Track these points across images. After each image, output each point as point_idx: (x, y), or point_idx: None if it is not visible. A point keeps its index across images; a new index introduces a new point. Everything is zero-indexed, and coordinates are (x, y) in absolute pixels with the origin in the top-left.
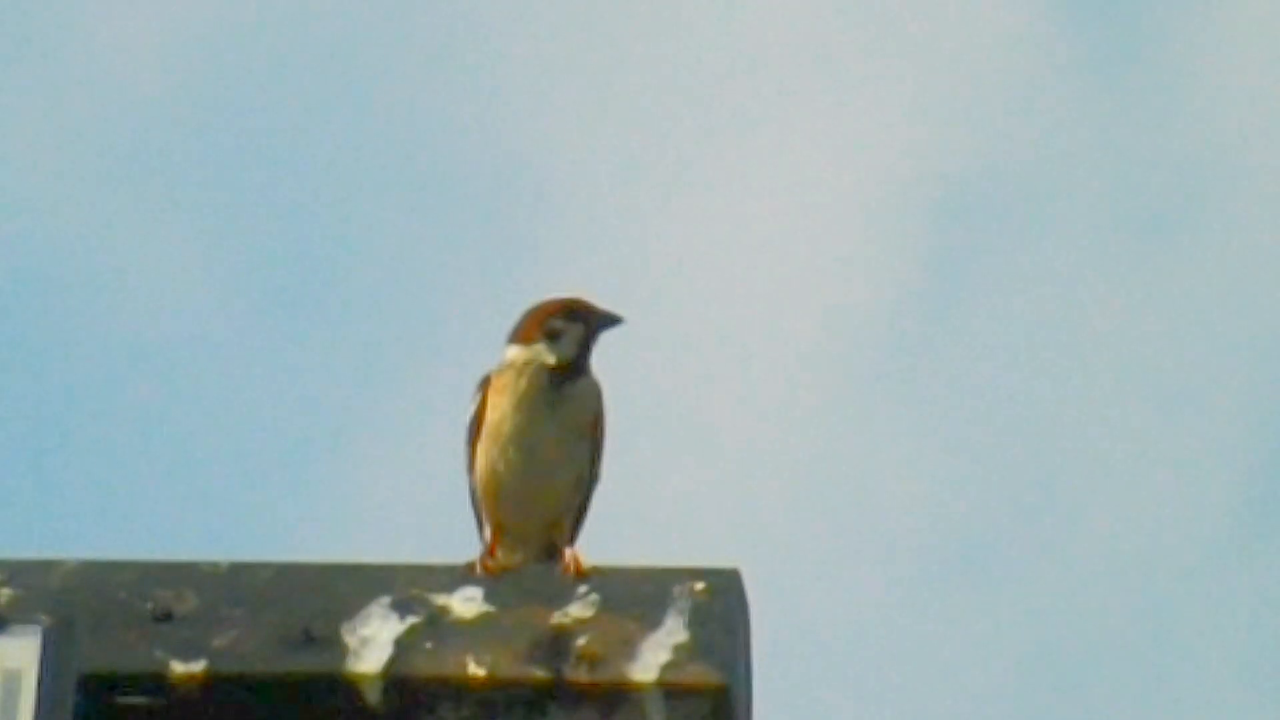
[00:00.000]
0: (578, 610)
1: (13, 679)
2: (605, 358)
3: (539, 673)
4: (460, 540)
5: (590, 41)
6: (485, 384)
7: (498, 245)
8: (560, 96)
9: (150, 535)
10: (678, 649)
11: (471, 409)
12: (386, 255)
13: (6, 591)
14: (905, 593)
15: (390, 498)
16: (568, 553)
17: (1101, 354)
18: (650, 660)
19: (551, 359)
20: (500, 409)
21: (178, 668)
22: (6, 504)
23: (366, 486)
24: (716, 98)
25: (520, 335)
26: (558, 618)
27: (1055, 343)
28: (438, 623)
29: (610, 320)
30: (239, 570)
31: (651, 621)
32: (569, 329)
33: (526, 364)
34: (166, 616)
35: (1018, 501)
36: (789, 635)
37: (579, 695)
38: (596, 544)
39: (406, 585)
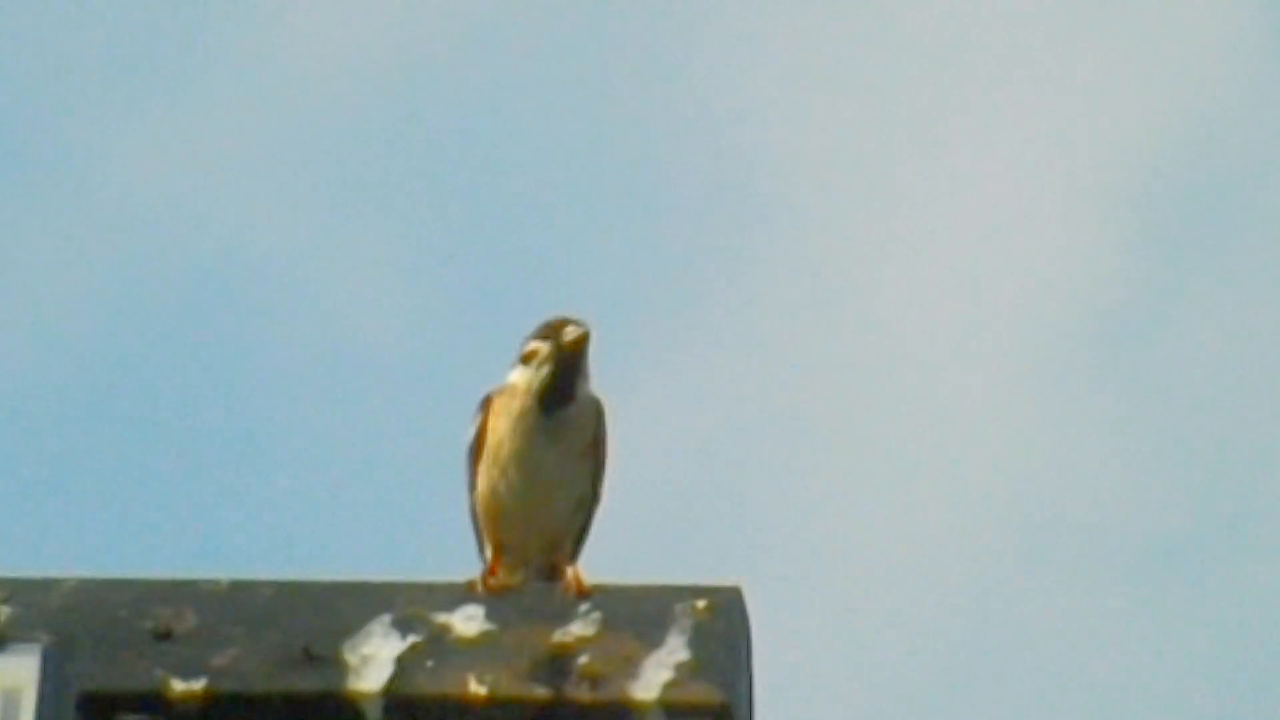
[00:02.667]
0: (579, 629)
1: (12, 697)
2: (819, 352)
3: (540, 691)
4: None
5: (797, 34)
6: (486, 404)
7: (704, 245)
8: (764, 89)
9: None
10: (679, 667)
11: (472, 429)
12: (582, 263)
13: (6, 610)
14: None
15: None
16: (569, 571)
17: None
18: (652, 679)
19: (529, 382)
20: (498, 432)
21: (177, 686)
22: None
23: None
24: (924, 88)
25: (521, 357)
26: (559, 636)
27: (1269, 343)
28: (439, 641)
29: (572, 343)
30: (239, 588)
31: (653, 640)
32: (540, 349)
33: (518, 388)
34: (166, 635)
35: (1220, 509)
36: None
37: (580, 714)
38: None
39: (407, 604)
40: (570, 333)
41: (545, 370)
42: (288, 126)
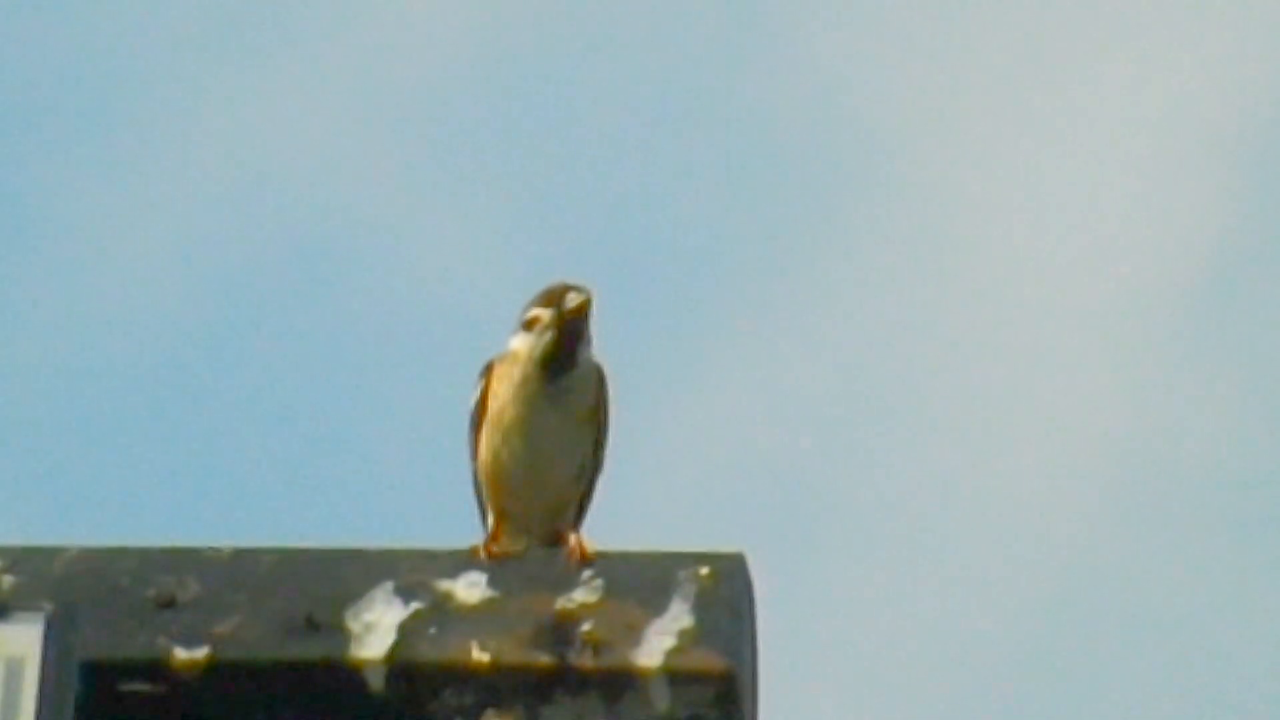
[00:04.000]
0: (582, 596)
1: (15, 666)
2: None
3: (543, 658)
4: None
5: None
6: (488, 371)
7: (812, 204)
8: (864, 45)
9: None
10: (682, 634)
11: (474, 395)
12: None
13: (9, 579)
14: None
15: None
16: (572, 538)
17: None
18: (655, 646)
19: (530, 348)
20: (500, 398)
21: (180, 654)
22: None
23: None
24: (1025, 39)
25: (523, 323)
26: (562, 603)
27: None
28: (441, 609)
29: (567, 306)
30: (242, 556)
31: (656, 607)
32: (542, 315)
33: (519, 354)
34: (169, 603)
35: None
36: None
37: (583, 681)
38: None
39: (410, 571)
40: (572, 299)
41: (547, 337)
42: (379, 84)
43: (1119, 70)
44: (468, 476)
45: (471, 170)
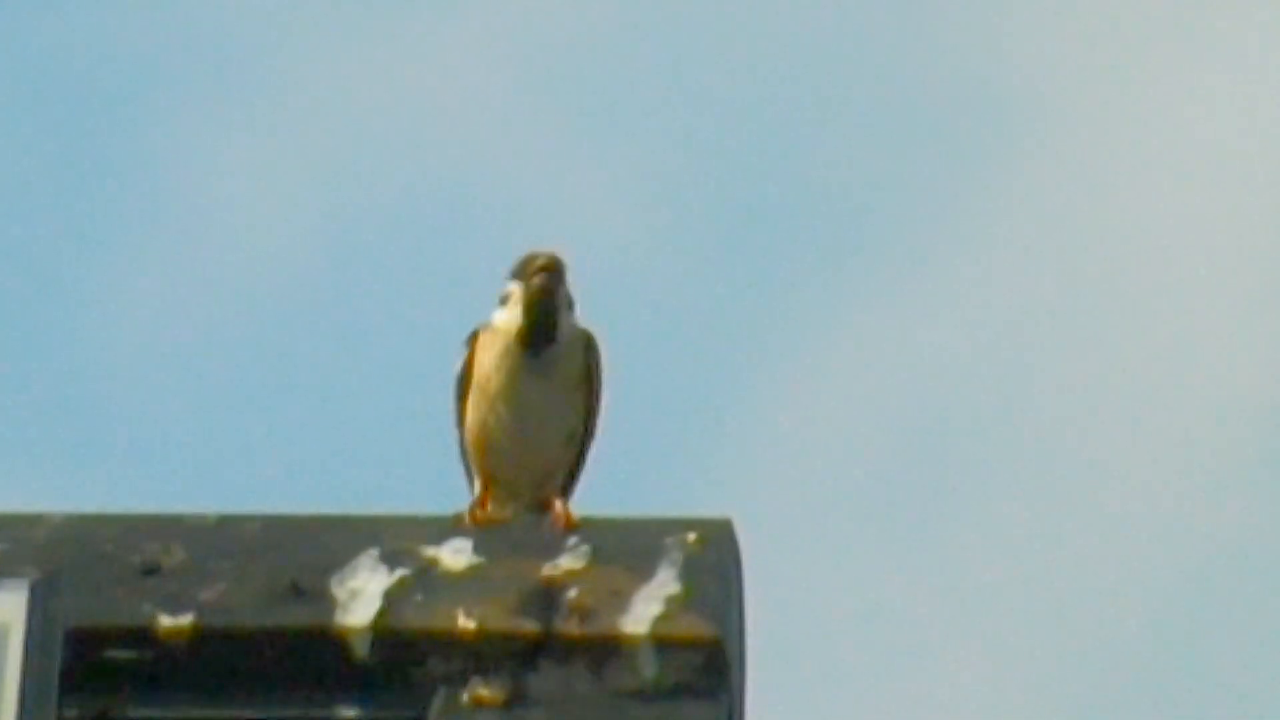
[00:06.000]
0: (568, 562)
1: (0, 632)
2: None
3: (529, 625)
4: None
5: None
6: (473, 339)
7: (952, 161)
8: (1029, 9)
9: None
10: (669, 600)
11: (459, 363)
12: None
13: None
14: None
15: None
16: (557, 504)
17: None
18: (642, 612)
19: (506, 323)
20: (484, 368)
21: (165, 621)
22: None
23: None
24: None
25: (500, 299)
26: (548, 570)
27: None
28: (427, 575)
29: (538, 288)
30: (227, 523)
31: (643, 573)
32: (511, 290)
33: (498, 329)
34: (154, 569)
35: None
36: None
37: (570, 648)
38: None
39: (395, 537)
40: (536, 280)
41: (519, 312)
42: (514, 49)
43: (1276, 38)
44: (454, 442)
45: (612, 131)
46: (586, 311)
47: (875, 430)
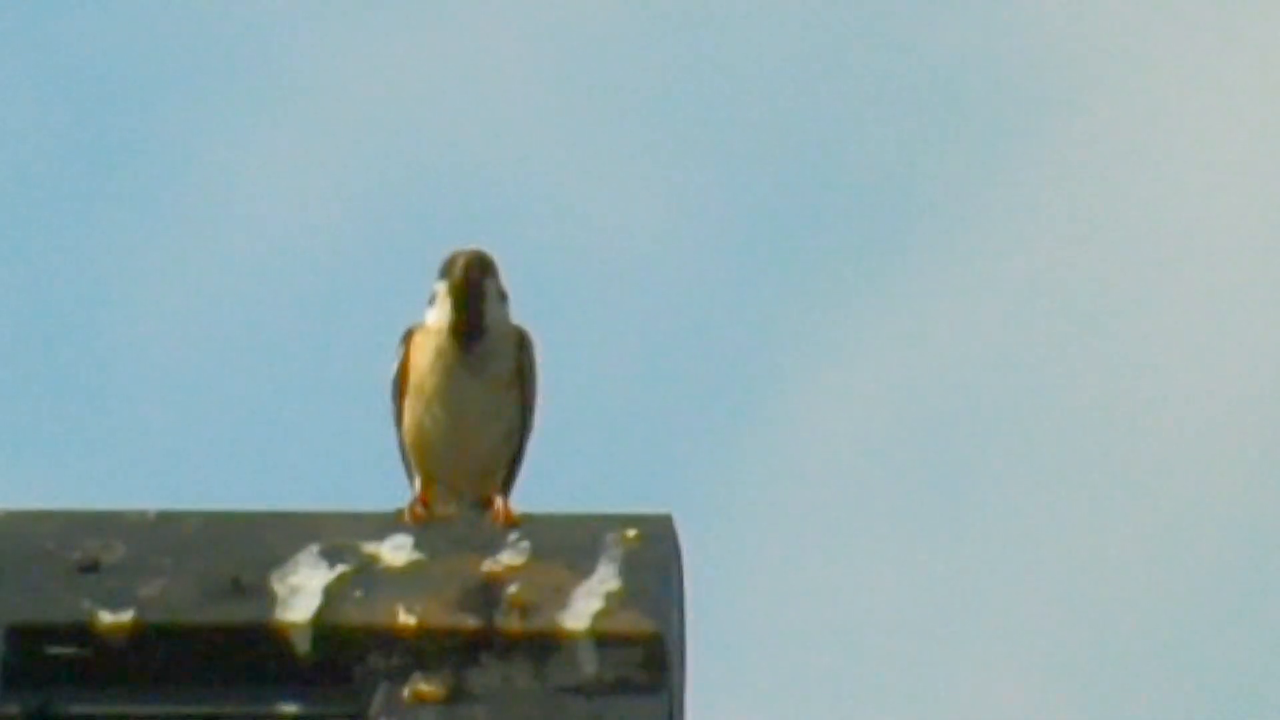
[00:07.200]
0: (509, 558)
1: None
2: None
3: (470, 621)
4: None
5: None
6: (407, 338)
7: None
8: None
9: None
10: (609, 596)
11: (395, 364)
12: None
13: None
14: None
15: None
16: (498, 500)
17: None
18: (582, 608)
19: (435, 321)
20: (419, 369)
21: (105, 618)
22: None
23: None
24: None
25: (429, 298)
26: (489, 565)
27: None
28: (367, 571)
29: (459, 281)
30: (166, 519)
31: (583, 569)
32: (437, 289)
33: (430, 329)
34: (94, 566)
35: None
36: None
37: (510, 644)
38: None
39: (335, 534)
40: (458, 272)
41: (447, 308)
42: (553, 37)
43: None
44: (393, 442)
45: (650, 120)
46: (605, 302)
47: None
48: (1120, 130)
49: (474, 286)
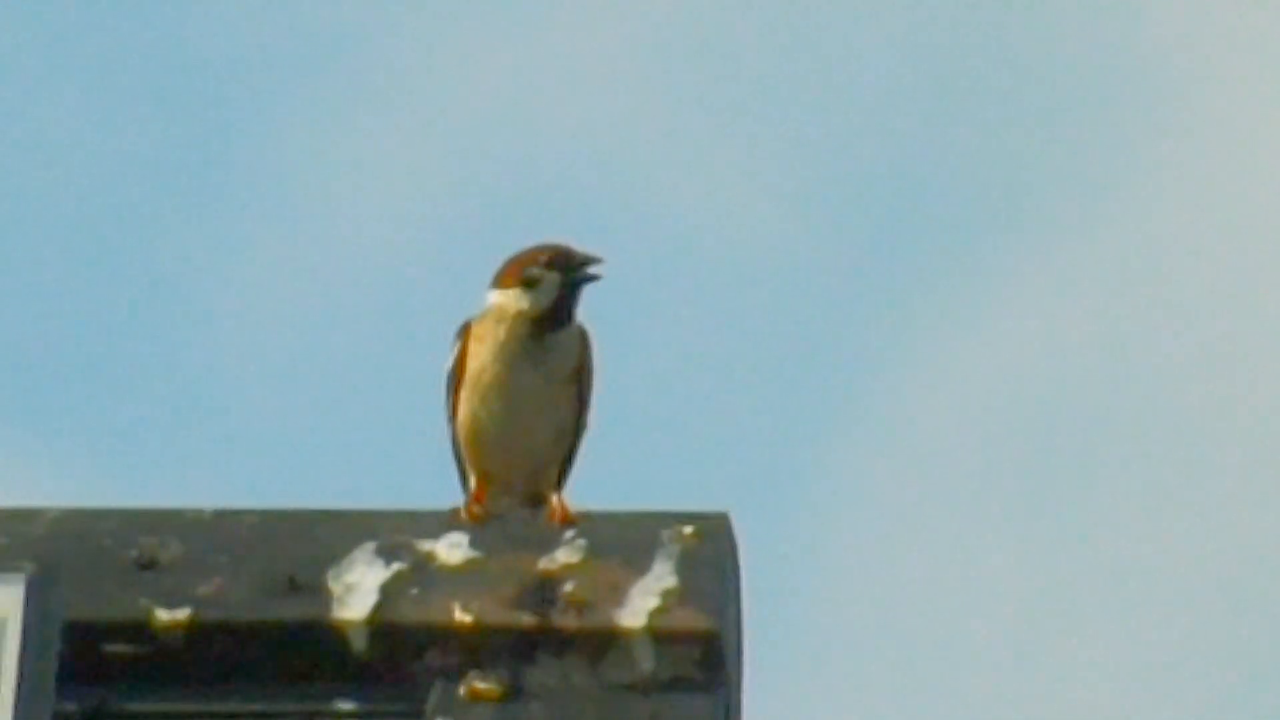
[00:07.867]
0: (565, 556)
1: None
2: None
3: (526, 619)
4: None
5: None
6: (465, 331)
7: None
8: None
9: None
10: (666, 594)
11: (451, 357)
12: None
13: None
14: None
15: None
16: (554, 499)
17: None
18: (639, 606)
19: (528, 307)
20: (480, 358)
21: (162, 615)
22: None
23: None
24: None
25: (500, 281)
26: (545, 563)
27: None
28: (423, 569)
29: (586, 274)
30: (223, 517)
31: (640, 567)
32: (546, 277)
33: (505, 312)
34: (151, 564)
35: None
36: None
37: (567, 641)
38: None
39: (392, 531)
40: (592, 266)
41: (552, 296)
42: (635, 30)
43: None
44: (446, 438)
45: (739, 114)
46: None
47: (1004, 419)
48: (1246, 120)
49: (587, 282)
